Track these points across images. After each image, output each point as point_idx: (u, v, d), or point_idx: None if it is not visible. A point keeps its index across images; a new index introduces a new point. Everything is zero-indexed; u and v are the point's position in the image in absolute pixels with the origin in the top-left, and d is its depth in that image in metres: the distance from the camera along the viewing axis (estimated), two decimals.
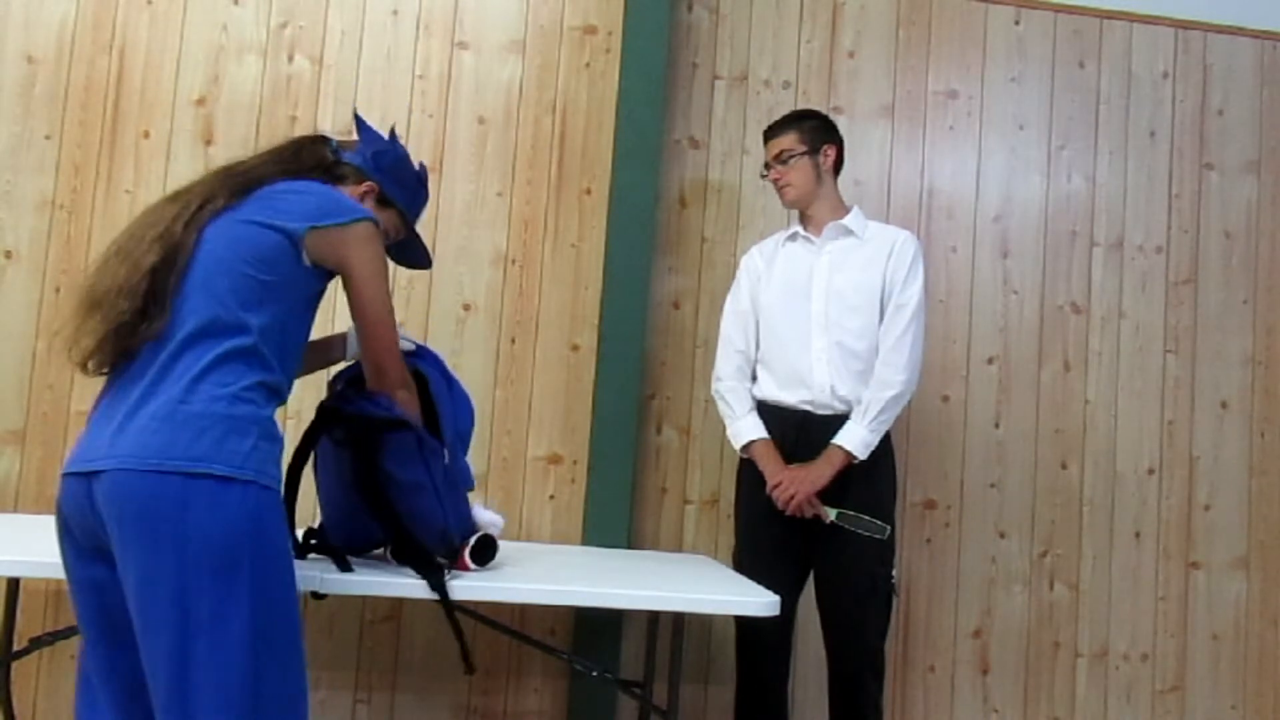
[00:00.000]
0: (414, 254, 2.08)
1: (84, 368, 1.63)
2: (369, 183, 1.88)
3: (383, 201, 1.91)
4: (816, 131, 2.65)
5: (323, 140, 1.90)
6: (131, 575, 1.51)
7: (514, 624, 2.76)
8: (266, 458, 1.58)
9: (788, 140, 2.64)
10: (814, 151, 2.63)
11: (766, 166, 2.68)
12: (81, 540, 1.58)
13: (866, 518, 2.49)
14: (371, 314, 1.77)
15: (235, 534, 1.51)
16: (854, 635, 2.53)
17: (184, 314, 1.59)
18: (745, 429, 2.61)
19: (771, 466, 2.54)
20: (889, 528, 2.51)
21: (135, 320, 1.58)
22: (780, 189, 2.66)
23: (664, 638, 2.58)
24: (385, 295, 1.78)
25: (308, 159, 1.83)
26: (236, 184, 1.71)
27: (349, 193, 1.85)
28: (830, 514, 2.49)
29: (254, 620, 1.50)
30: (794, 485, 2.48)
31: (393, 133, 1.95)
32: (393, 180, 1.92)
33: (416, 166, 1.98)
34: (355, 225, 1.73)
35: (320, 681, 2.84)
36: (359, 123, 1.93)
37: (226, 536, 1.50)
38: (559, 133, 3.05)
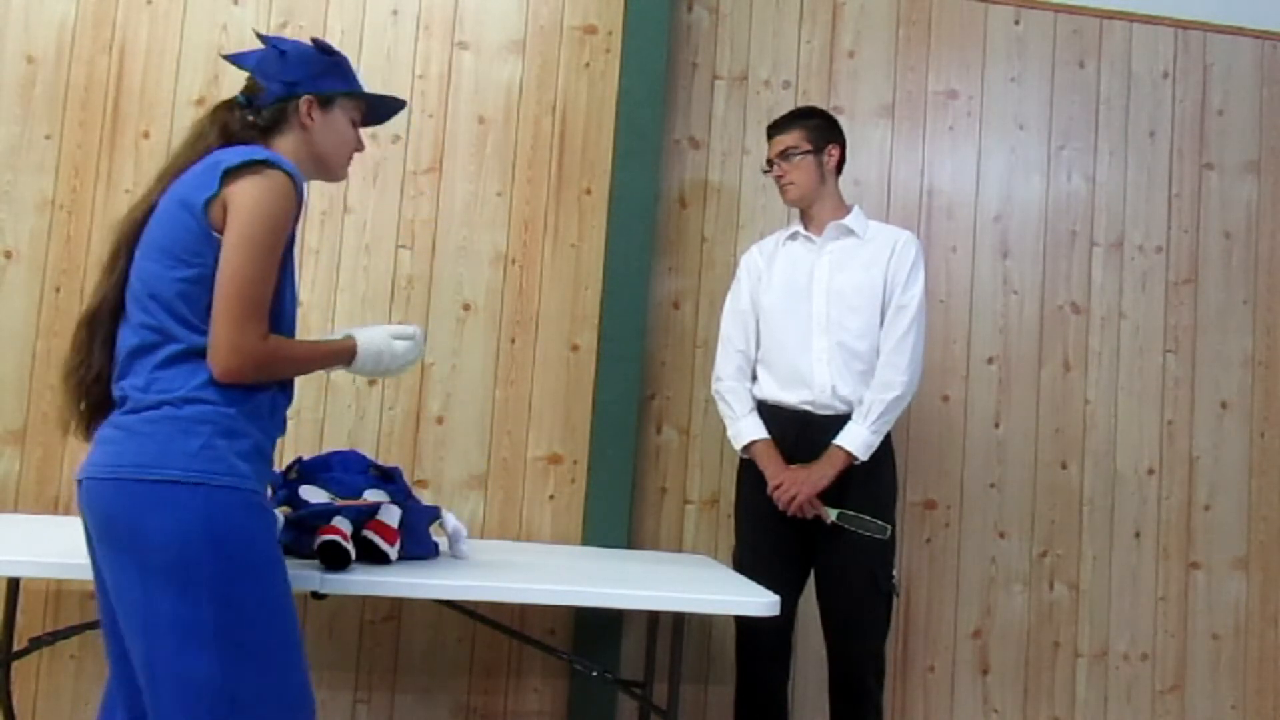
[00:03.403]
0: (382, 109, 1.92)
1: (88, 435, 1.64)
2: (302, 100, 1.73)
3: (326, 102, 1.75)
4: (821, 130, 2.65)
5: (228, 106, 1.75)
6: (107, 580, 1.55)
7: (514, 624, 2.76)
8: (222, 456, 1.54)
9: (792, 137, 2.63)
10: (818, 150, 2.63)
11: (770, 163, 2.68)
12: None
13: (867, 518, 2.49)
14: (237, 266, 1.55)
15: (188, 538, 1.48)
16: (854, 635, 2.53)
17: (132, 327, 1.61)
18: (746, 429, 2.61)
19: (772, 467, 2.54)
20: (890, 528, 2.51)
21: (91, 373, 1.63)
22: (783, 187, 2.66)
23: (664, 638, 2.58)
24: (257, 256, 1.56)
25: (213, 139, 1.68)
26: (156, 195, 1.66)
27: (288, 133, 1.73)
28: (831, 514, 2.49)
29: (218, 624, 1.48)
30: (795, 486, 2.48)
31: (260, 36, 1.79)
32: (311, 78, 1.74)
33: (310, 45, 1.78)
34: (232, 185, 1.57)
35: (320, 681, 2.83)
36: (232, 61, 1.78)
37: (178, 540, 1.48)
38: (559, 133, 3.05)
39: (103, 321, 1.64)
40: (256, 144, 1.69)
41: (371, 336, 1.82)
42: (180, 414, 1.54)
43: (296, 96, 1.73)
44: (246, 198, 1.56)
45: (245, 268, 1.55)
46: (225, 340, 1.55)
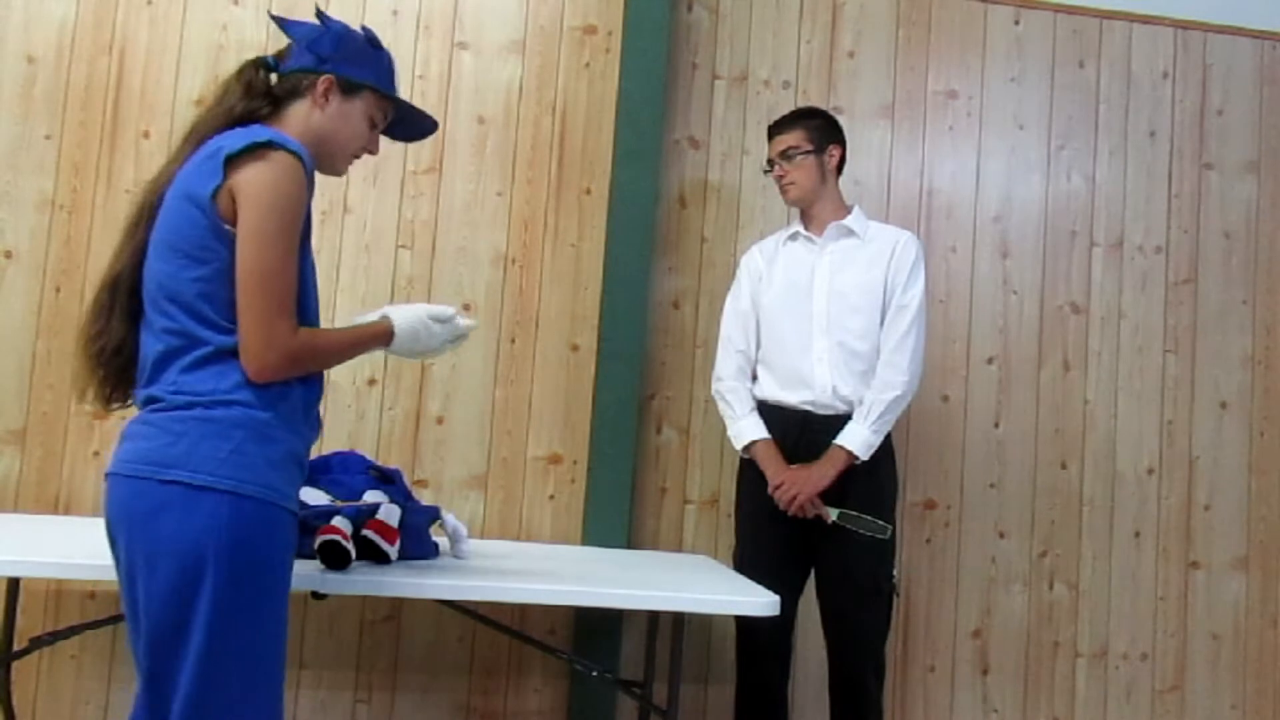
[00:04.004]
0: (413, 124, 1.85)
1: (107, 405, 1.60)
2: (323, 78, 1.65)
3: (349, 89, 1.68)
4: (823, 130, 2.65)
5: (255, 64, 1.67)
6: (122, 576, 1.52)
7: (514, 624, 2.76)
8: (252, 463, 1.48)
9: (794, 137, 2.63)
10: (819, 151, 2.63)
11: (770, 163, 2.67)
12: None
13: (869, 518, 2.49)
14: (254, 263, 1.49)
15: (200, 546, 1.43)
16: (855, 635, 2.53)
17: (154, 333, 1.55)
18: (747, 429, 2.61)
19: (773, 467, 2.54)
20: (890, 527, 2.51)
21: (112, 342, 1.57)
22: (783, 187, 2.65)
23: (664, 638, 2.58)
24: (274, 246, 1.50)
25: (236, 97, 1.63)
26: (175, 163, 1.60)
27: (299, 107, 1.66)
28: (832, 514, 2.49)
29: (209, 639, 1.43)
30: (796, 486, 2.48)
31: (319, 13, 1.72)
32: (344, 60, 1.67)
33: (360, 31, 1.72)
34: (238, 173, 1.51)
35: (320, 681, 2.84)
36: (279, 23, 1.71)
37: (190, 547, 1.43)
38: (559, 133, 3.05)
39: (123, 288, 1.59)
40: (264, 115, 1.63)
41: (408, 317, 1.73)
42: (212, 415, 1.48)
43: (320, 72, 1.66)
44: (254, 185, 1.49)
45: (264, 261, 1.49)
46: (256, 339, 1.49)
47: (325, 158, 1.71)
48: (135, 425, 1.54)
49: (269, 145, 1.52)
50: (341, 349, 1.68)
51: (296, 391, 1.57)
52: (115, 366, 1.59)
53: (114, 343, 1.58)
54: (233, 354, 1.51)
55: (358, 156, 1.76)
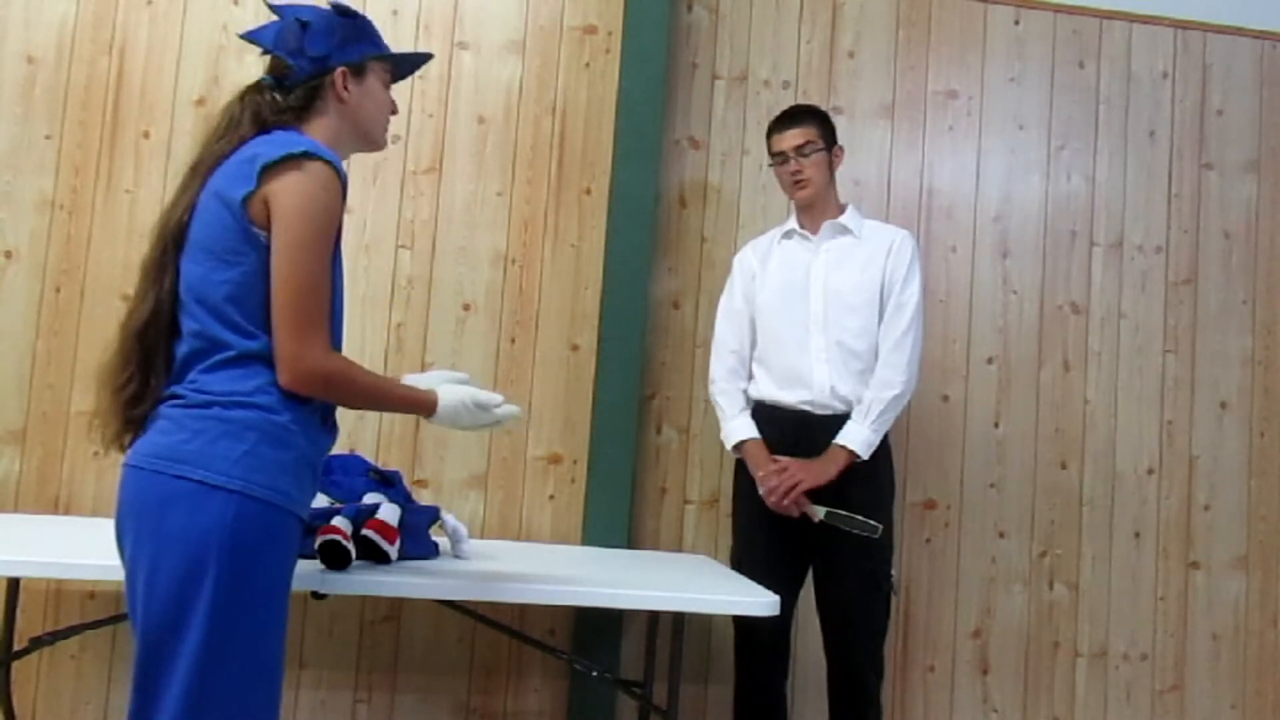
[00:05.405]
0: (410, 64, 1.84)
1: (118, 447, 1.58)
2: (336, 74, 1.65)
3: (359, 70, 1.68)
4: (829, 128, 2.65)
5: (258, 89, 1.65)
6: (126, 569, 1.52)
7: (514, 624, 2.76)
8: (264, 466, 1.48)
9: (809, 132, 2.59)
10: (828, 148, 2.63)
11: (780, 156, 2.62)
12: None
13: (859, 517, 2.44)
14: (289, 272, 1.50)
15: (204, 545, 1.43)
16: (854, 634, 2.53)
17: (182, 337, 1.56)
18: (736, 430, 2.61)
19: (761, 463, 2.53)
20: (881, 527, 2.46)
21: (136, 391, 1.55)
22: (797, 181, 2.59)
23: (664, 638, 2.58)
24: (309, 259, 1.51)
25: (248, 126, 1.61)
26: (195, 191, 1.58)
27: (326, 111, 1.65)
28: (819, 513, 2.47)
29: (207, 639, 1.42)
30: (797, 475, 2.45)
31: (276, 8, 1.69)
32: (339, 48, 1.65)
33: (328, 10, 1.68)
34: (273, 182, 1.51)
35: (320, 681, 2.84)
36: (253, 38, 1.67)
37: (194, 545, 1.43)
38: (559, 133, 3.05)
39: (159, 335, 1.56)
40: (293, 128, 1.63)
41: (453, 399, 1.73)
42: (228, 415, 1.49)
43: (329, 71, 1.65)
44: (290, 196, 1.50)
45: (298, 273, 1.50)
46: (288, 349, 1.50)
47: (369, 141, 1.74)
48: (158, 420, 1.54)
49: (305, 156, 1.53)
50: (376, 396, 1.70)
51: (316, 399, 1.58)
52: (142, 412, 1.57)
53: (146, 390, 1.56)
54: (257, 358, 1.52)
55: (389, 123, 1.78)
